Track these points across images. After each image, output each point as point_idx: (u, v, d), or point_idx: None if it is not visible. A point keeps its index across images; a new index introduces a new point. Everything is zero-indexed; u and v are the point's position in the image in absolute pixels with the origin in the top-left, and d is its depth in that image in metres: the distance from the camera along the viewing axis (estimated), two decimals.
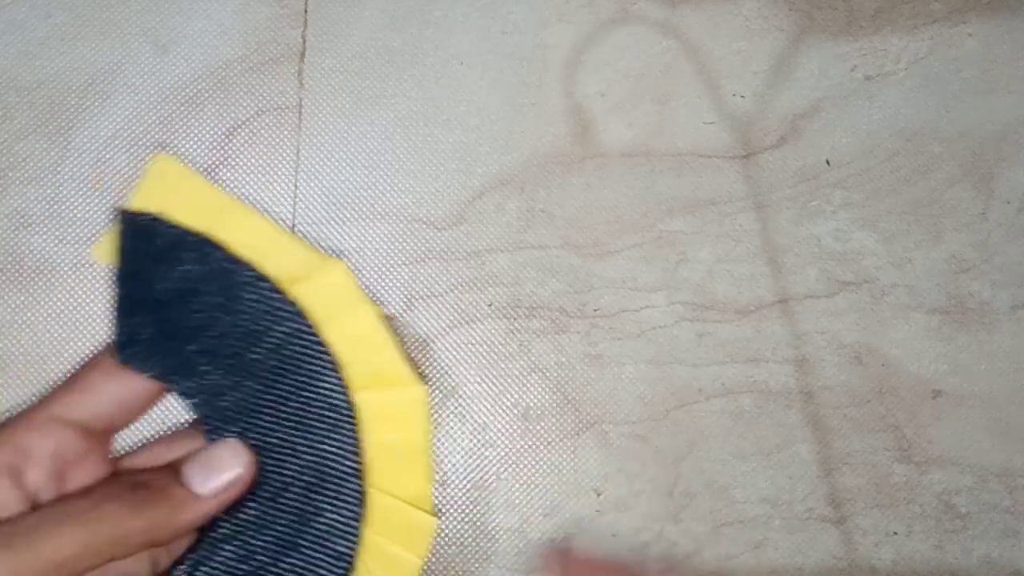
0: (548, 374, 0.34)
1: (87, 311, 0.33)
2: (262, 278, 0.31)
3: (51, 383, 0.33)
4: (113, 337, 0.30)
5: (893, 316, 0.34)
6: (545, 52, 0.35)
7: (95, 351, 0.33)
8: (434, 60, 0.35)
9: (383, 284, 0.34)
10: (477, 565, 0.33)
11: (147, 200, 0.32)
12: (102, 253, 0.32)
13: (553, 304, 0.34)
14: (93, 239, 0.34)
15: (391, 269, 0.34)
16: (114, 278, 0.31)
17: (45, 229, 0.34)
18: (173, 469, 0.28)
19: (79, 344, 0.33)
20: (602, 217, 0.34)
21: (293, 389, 0.31)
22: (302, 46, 0.35)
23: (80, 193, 0.34)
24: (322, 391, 0.31)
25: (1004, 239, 0.35)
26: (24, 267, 0.33)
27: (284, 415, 0.31)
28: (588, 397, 0.34)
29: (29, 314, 0.33)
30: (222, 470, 0.28)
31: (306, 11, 0.35)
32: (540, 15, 0.35)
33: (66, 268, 0.33)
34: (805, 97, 0.35)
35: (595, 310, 0.34)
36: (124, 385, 0.29)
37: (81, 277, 0.33)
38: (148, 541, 0.26)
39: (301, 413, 0.31)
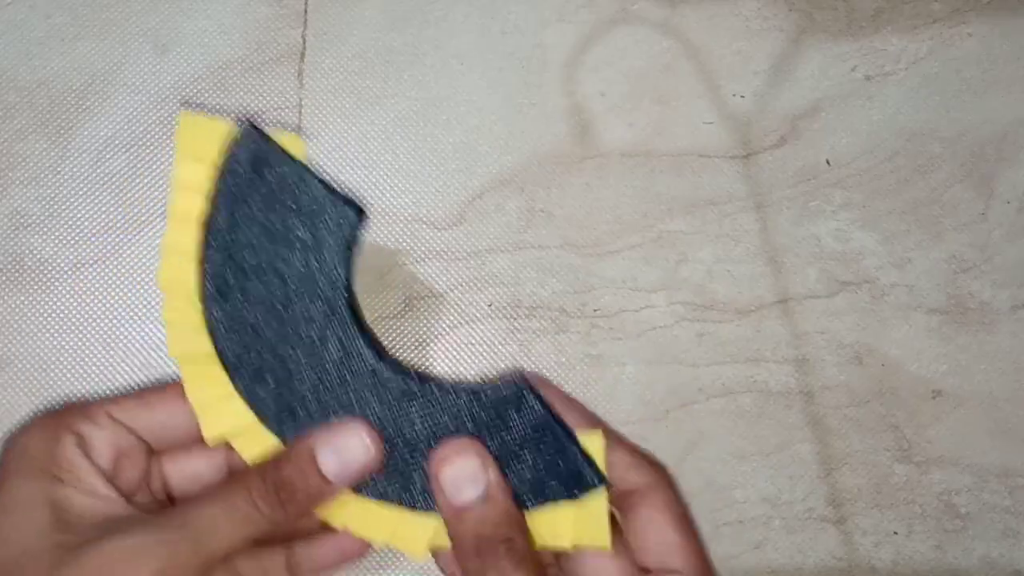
0: (548, 374, 0.34)
1: (87, 311, 0.33)
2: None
3: (51, 382, 0.33)
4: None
5: (893, 316, 0.34)
6: (545, 52, 0.35)
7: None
8: (434, 60, 0.35)
9: (383, 284, 0.34)
10: None
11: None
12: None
13: (553, 304, 0.34)
14: (93, 239, 0.34)
15: (391, 269, 0.34)
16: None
17: (45, 229, 0.34)
18: (306, 453, 0.28)
19: (79, 344, 0.33)
20: (602, 217, 0.34)
21: None
22: (302, 46, 0.35)
23: (80, 193, 0.34)
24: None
25: (1004, 239, 0.35)
26: (24, 267, 0.33)
27: None
28: (588, 397, 0.34)
29: (29, 314, 0.33)
30: (355, 457, 0.28)
31: (306, 11, 0.35)
32: (540, 15, 0.35)
33: (66, 268, 0.33)
34: (805, 97, 0.35)
35: (595, 310, 0.34)
36: (175, 413, 0.29)
37: (81, 277, 0.33)
38: (290, 527, 0.28)
39: None
